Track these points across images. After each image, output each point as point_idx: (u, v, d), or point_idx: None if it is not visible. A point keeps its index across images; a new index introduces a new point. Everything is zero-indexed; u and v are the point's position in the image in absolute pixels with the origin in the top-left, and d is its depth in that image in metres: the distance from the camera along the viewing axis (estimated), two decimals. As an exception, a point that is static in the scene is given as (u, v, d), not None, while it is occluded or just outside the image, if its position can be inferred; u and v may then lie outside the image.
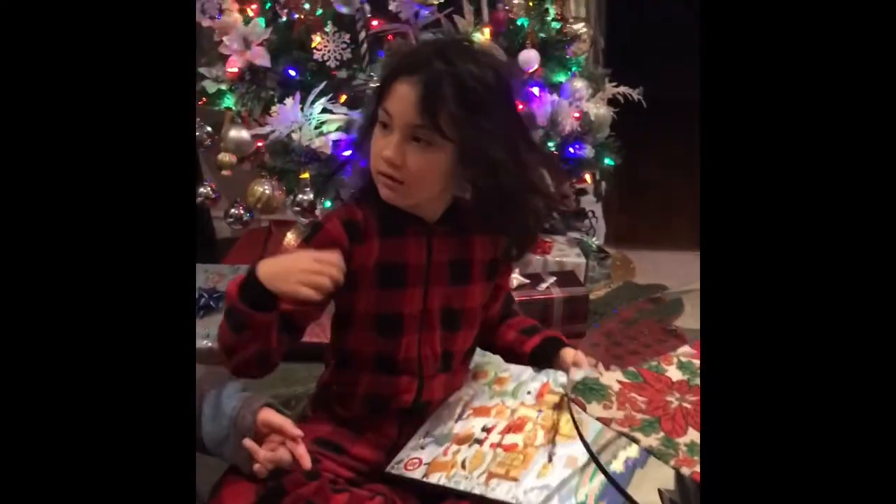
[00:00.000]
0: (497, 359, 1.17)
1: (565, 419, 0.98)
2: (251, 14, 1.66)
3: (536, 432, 0.98)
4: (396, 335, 1.04)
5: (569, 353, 1.07)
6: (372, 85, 1.55)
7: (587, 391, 0.80)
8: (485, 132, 0.95)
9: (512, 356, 1.14)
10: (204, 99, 1.79)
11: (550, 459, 0.94)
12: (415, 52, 1.00)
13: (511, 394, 1.05)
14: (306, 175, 1.68)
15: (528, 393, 1.04)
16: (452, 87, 0.93)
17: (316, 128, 1.58)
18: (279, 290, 0.91)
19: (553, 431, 0.98)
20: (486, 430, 1.00)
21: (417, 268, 1.03)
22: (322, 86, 1.57)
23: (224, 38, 1.63)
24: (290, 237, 1.74)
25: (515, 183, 0.99)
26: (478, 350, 1.18)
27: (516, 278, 1.83)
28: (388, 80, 0.97)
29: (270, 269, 0.92)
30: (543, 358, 1.10)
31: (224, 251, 2.37)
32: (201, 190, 1.96)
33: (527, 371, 1.08)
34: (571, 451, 0.94)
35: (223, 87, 1.72)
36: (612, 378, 0.83)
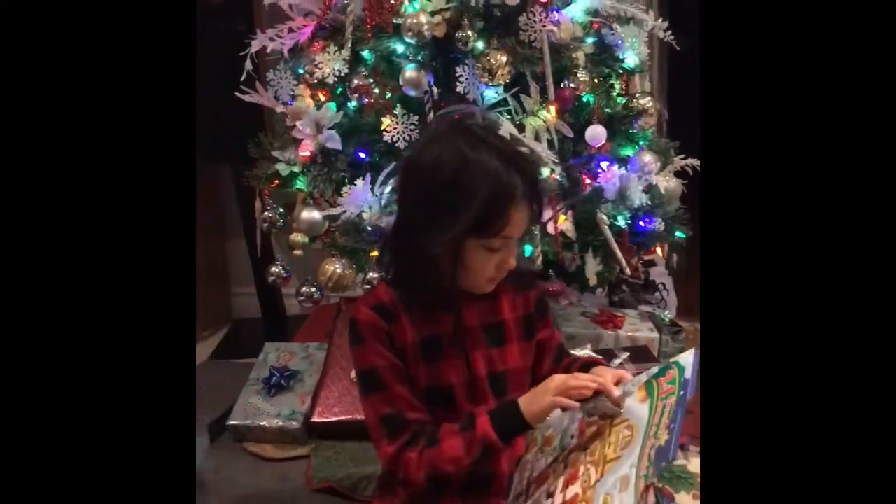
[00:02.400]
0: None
1: (608, 442, 0.97)
2: (322, 99, 1.71)
3: (589, 472, 0.97)
4: (449, 407, 1.06)
5: (602, 372, 1.06)
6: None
7: (675, 480, 0.77)
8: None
9: None
10: (277, 181, 1.84)
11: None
12: (511, 183, 1.01)
13: (559, 447, 1.04)
14: (376, 253, 1.70)
15: (572, 437, 1.03)
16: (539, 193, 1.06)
17: (385, 207, 1.60)
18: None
19: (602, 460, 0.98)
20: (550, 495, 0.99)
21: (451, 336, 1.06)
22: (391, 166, 1.60)
23: (297, 124, 1.68)
24: (329, 269, 1.74)
25: None
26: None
27: (588, 354, 1.79)
28: (500, 215, 1.01)
29: (534, 408, 1.00)
30: (585, 368, 1.10)
31: (294, 328, 2.40)
32: (273, 269, 2.00)
33: (563, 417, 1.07)
34: (622, 472, 0.91)
35: (296, 169, 1.76)
36: (698, 464, 0.80)
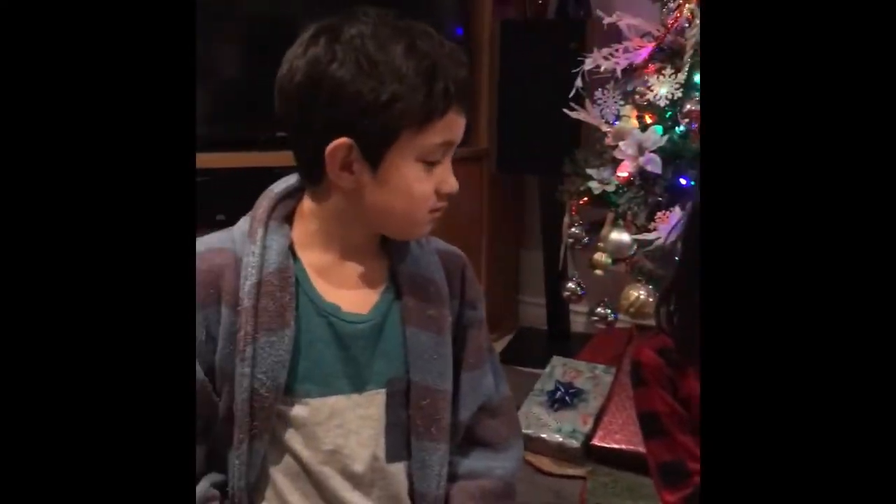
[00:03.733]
0: None
1: None
2: (648, 121, 1.68)
3: None
4: None
5: None
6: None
7: None
8: None
9: None
10: (588, 198, 1.85)
11: None
12: None
13: None
14: (681, 284, 1.64)
15: None
16: None
17: (702, 238, 1.53)
18: None
19: None
20: None
21: None
22: (714, 196, 1.53)
23: (620, 144, 1.67)
24: (633, 294, 1.69)
25: None
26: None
27: None
28: None
29: None
30: None
31: (576, 345, 2.40)
32: (570, 285, 2.01)
33: None
34: None
35: (609, 188, 1.75)
36: None
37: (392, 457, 0.89)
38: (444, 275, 0.94)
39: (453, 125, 0.83)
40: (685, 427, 0.99)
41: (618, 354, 2.02)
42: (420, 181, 0.84)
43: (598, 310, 1.94)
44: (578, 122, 1.85)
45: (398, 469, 0.90)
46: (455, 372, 0.93)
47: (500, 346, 2.53)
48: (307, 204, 0.89)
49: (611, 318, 1.92)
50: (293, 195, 0.90)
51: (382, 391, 0.89)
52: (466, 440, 0.96)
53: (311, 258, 0.88)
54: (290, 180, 0.90)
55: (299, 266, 0.87)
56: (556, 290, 2.29)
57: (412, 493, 0.90)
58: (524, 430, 1.76)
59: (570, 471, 1.71)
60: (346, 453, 0.87)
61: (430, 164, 0.84)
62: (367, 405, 0.88)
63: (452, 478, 0.94)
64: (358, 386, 0.88)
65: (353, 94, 0.79)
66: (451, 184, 0.87)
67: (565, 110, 1.77)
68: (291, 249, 0.87)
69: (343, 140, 0.80)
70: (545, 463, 1.74)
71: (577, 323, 2.61)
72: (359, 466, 0.87)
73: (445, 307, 0.92)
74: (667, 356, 1.00)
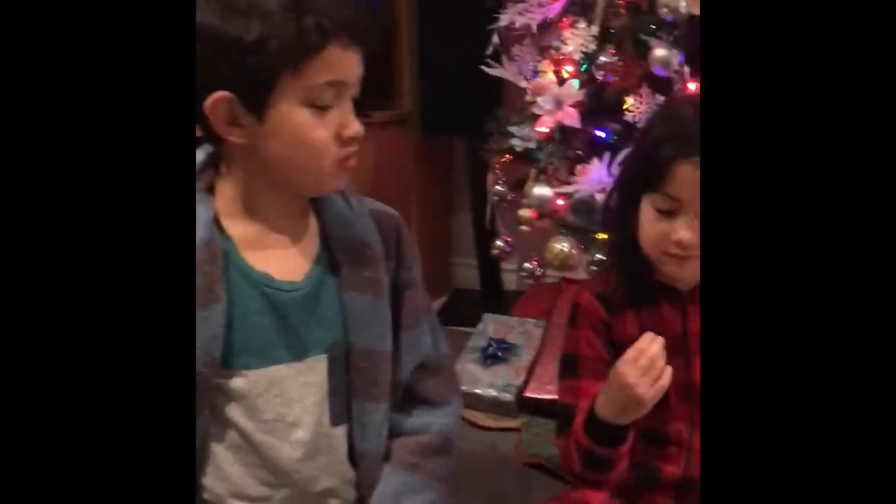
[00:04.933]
0: None
1: None
2: (566, 76, 1.69)
3: None
4: (662, 406, 0.99)
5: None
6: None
7: None
8: None
9: None
10: (511, 156, 1.86)
11: None
12: (687, 132, 0.91)
13: None
14: (604, 236, 1.67)
15: None
16: None
17: (621, 189, 1.56)
18: (629, 419, 0.91)
19: None
20: None
21: (674, 338, 0.98)
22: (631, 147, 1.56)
23: (538, 99, 1.68)
24: (557, 247, 1.71)
25: None
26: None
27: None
28: (662, 162, 0.93)
29: (608, 407, 0.92)
30: None
31: (510, 303, 2.43)
32: (498, 243, 2.03)
33: None
34: None
35: (531, 145, 1.76)
36: None
37: (335, 421, 0.89)
38: (379, 236, 0.92)
39: (338, 63, 0.79)
40: (599, 375, 1.01)
41: (548, 308, 2.05)
42: (312, 127, 0.80)
43: (526, 265, 1.96)
44: (500, 80, 1.85)
45: (341, 432, 0.90)
46: (393, 333, 0.93)
47: (434, 308, 2.55)
48: (222, 170, 0.86)
49: (539, 272, 1.95)
50: (212, 164, 0.87)
51: (324, 357, 0.88)
52: (406, 399, 0.97)
53: (238, 228, 0.86)
54: (209, 148, 0.87)
55: (226, 237, 0.85)
56: (485, 249, 2.30)
57: (353, 453, 0.91)
58: (458, 388, 1.79)
59: (505, 423, 1.74)
60: (290, 421, 0.86)
61: (320, 109, 0.80)
62: (308, 372, 0.87)
63: (393, 436, 0.94)
64: (298, 354, 0.87)
65: (218, 39, 0.75)
66: (353, 128, 0.82)
67: (482, 67, 1.76)
68: (217, 221, 0.84)
69: (219, 94, 0.77)
70: (480, 418, 1.77)
71: (510, 281, 2.64)
72: (303, 433, 0.87)
73: (381, 269, 0.91)
74: (604, 300, 1.02)
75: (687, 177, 0.91)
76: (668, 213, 0.94)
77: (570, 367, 1.03)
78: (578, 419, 0.96)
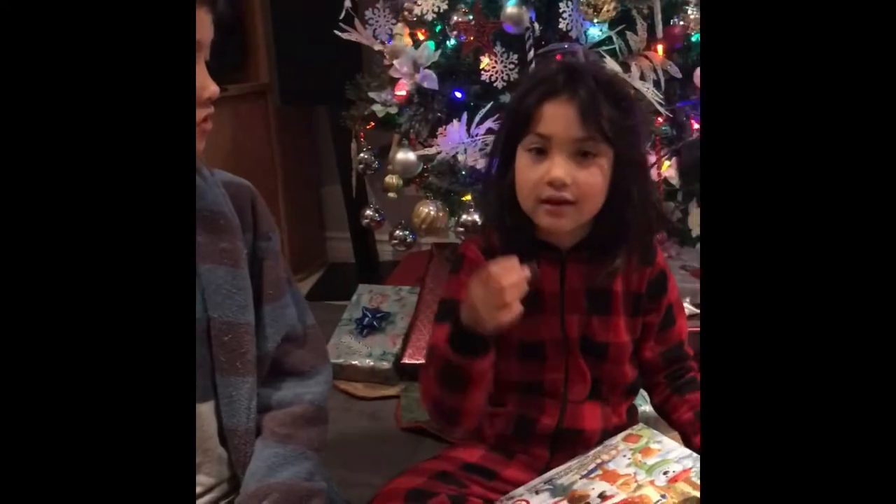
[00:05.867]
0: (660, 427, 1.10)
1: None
2: (421, 38, 1.67)
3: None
4: (539, 359, 1.03)
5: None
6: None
7: None
8: (634, 132, 0.98)
9: (685, 440, 1.07)
10: (373, 123, 1.83)
11: None
12: (550, 77, 0.98)
13: (648, 469, 0.97)
14: (468, 197, 1.67)
15: (665, 473, 0.95)
16: (605, 95, 0.95)
17: (481, 149, 1.56)
18: (490, 324, 0.90)
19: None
20: (603, 497, 0.93)
21: (552, 295, 1.01)
22: (488, 107, 1.56)
23: (395, 63, 1.66)
24: (423, 211, 1.70)
25: (646, 185, 1.02)
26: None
27: (687, 307, 1.72)
28: (530, 107, 0.96)
29: (471, 314, 0.91)
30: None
31: (387, 273, 2.42)
32: (367, 212, 2.00)
33: (677, 450, 0.99)
34: None
35: (392, 110, 1.74)
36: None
37: (200, 397, 0.86)
38: (233, 207, 0.91)
39: None
40: None
41: (422, 275, 2.05)
42: None
43: (397, 232, 1.94)
44: (359, 45, 1.81)
45: (207, 409, 0.88)
46: (256, 305, 0.91)
47: (309, 283, 2.51)
48: None
49: (409, 239, 1.94)
50: None
51: None
52: (274, 372, 0.95)
53: None
54: None
55: None
56: (357, 221, 2.27)
57: (221, 430, 0.88)
58: (335, 360, 1.77)
59: (384, 392, 1.74)
60: None
61: None
62: None
63: (263, 410, 0.92)
64: None
65: None
66: (210, 89, 0.79)
67: (336, 32, 1.72)
68: None
69: None
70: (359, 388, 1.75)
71: (386, 252, 2.62)
72: None
73: (238, 240, 0.90)
74: (489, 254, 1.02)
75: (554, 113, 0.95)
76: (540, 153, 0.96)
77: (448, 312, 1.02)
78: (443, 335, 0.95)
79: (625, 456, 1.00)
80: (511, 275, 0.88)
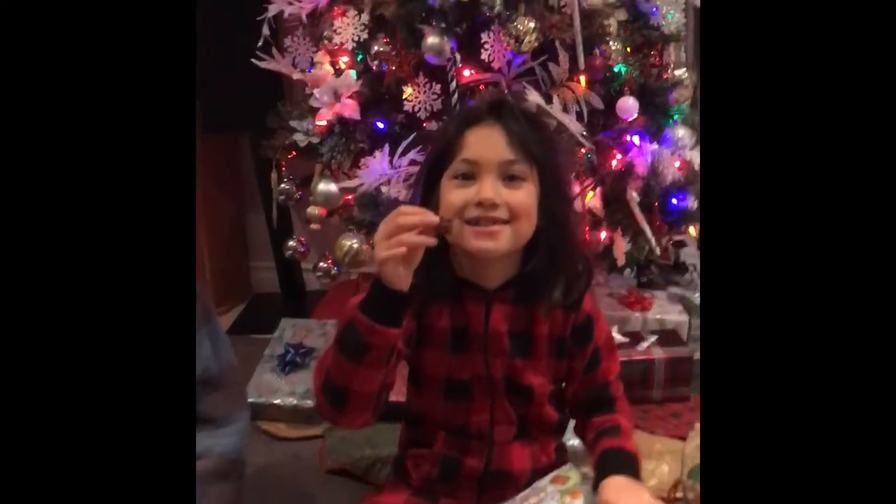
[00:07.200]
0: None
1: None
2: (343, 67, 1.64)
3: None
4: (465, 399, 1.01)
5: (609, 488, 0.94)
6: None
7: None
8: (556, 163, 0.98)
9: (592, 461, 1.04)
10: (294, 152, 1.78)
11: None
12: (474, 107, 1.02)
13: None
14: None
15: None
16: (527, 121, 0.96)
17: (405, 180, 1.53)
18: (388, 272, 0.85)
19: None
20: None
21: (476, 335, 0.99)
22: (411, 138, 1.53)
23: (315, 91, 1.62)
24: (346, 244, 1.65)
25: (572, 218, 1.02)
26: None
27: (616, 337, 1.72)
28: (454, 134, 0.95)
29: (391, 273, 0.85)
30: (600, 474, 0.98)
31: (314, 304, 2.36)
32: (291, 243, 1.96)
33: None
34: None
35: (314, 140, 1.70)
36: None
37: None
38: None
39: None
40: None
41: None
42: None
43: (321, 264, 1.90)
44: (280, 73, 1.77)
45: None
46: None
47: (233, 315, 2.42)
48: None
49: (334, 271, 1.90)
50: None
51: None
52: None
53: None
54: None
55: None
56: (281, 251, 2.21)
57: None
58: (257, 400, 1.70)
59: (308, 432, 1.67)
60: None
61: None
62: None
63: None
64: None
65: None
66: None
67: (253, 60, 1.67)
68: None
69: None
70: (281, 429, 1.69)
71: (313, 281, 2.55)
72: None
73: None
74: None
75: (479, 138, 0.94)
76: (466, 178, 0.93)
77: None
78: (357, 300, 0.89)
79: (553, 498, 0.97)
80: (415, 215, 0.85)
